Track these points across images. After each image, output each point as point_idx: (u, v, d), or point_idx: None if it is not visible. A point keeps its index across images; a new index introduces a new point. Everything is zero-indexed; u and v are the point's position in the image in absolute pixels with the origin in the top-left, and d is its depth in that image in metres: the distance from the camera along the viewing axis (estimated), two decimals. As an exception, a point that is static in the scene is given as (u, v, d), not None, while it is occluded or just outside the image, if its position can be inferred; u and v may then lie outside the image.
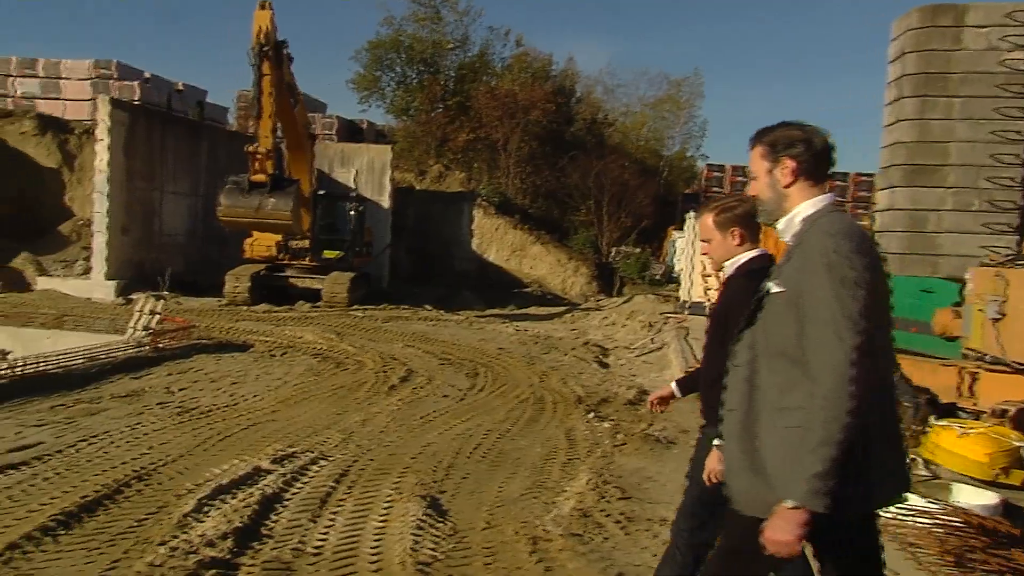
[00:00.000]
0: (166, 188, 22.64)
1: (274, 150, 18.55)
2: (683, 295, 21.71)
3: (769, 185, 2.53)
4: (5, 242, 21.04)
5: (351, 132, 37.50)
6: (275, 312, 18.37)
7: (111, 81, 29.77)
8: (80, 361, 10.25)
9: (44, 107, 27.65)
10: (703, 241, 3.45)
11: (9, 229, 21.31)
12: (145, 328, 11.86)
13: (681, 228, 34.38)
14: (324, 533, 5.10)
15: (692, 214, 22.08)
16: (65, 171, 23.28)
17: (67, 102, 29.37)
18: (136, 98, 26.80)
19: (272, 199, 17.90)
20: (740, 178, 36.64)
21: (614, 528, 5.40)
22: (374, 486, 6.11)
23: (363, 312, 18.88)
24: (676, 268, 33.55)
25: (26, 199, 22.39)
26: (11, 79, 30.76)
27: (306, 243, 20.82)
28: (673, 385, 3.92)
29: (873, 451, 2.30)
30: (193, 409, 8.41)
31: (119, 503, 5.48)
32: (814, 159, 2.48)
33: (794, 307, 2.32)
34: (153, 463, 6.39)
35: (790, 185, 2.48)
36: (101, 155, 20.29)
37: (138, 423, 7.68)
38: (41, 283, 20.25)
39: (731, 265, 3.37)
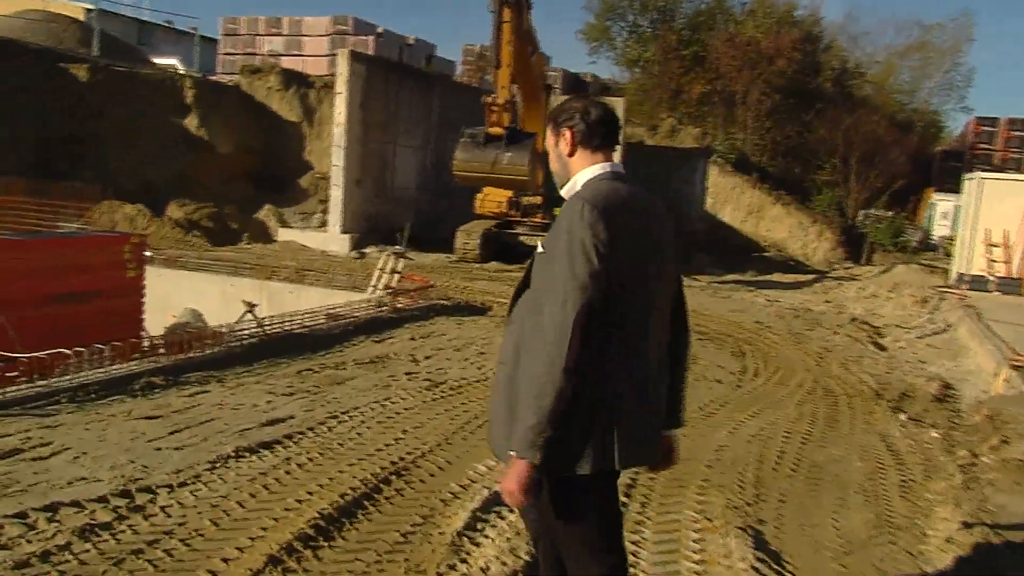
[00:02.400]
0: (399, 141, 22.51)
1: (511, 101, 17.67)
2: (957, 266, 18.96)
3: (556, 156, 2.68)
4: (252, 193, 21.73)
5: (576, 86, 36.42)
6: (507, 271, 17.66)
7: (347, 36, 30.29)
8: (322, 321, 9.81)
9: (287, 64, 28.55)
10: None
11: (256, 181, 21.97)
12: (386, 287, 11.32)
13: (943, 190, 30.73)
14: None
15: (973, 175, 19.22)
16: (305, 125, 23.75)
17: (308, 58, 30.25)
18: (370, 53, 27.00)
19: (508, 153, 17.07)
20: (1017, 132, 32.10)
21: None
22: (674, 505, 4.91)
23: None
24: (936, 235, 30.03)
25: (271, 152, 23.03)
26: (259, 38, 32.08)
27: (538, 199, 19.94)
28: None
29: (618, 415, 2.40)
30: (442, 383, 7.58)
31: (380, 506, 4.62)
32: (588, 129, 2.60)
33: (547, 267, 2.41)
34: (410, 453, 5.54)
35: (571, 154, 2.63)
36: (339, 108, 20.33)
37: (387, 398, 6.91)
38: (282, 235, 20.71)
39: None
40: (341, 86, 20.35)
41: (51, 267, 9.82)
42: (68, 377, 6.55)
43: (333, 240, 20.14)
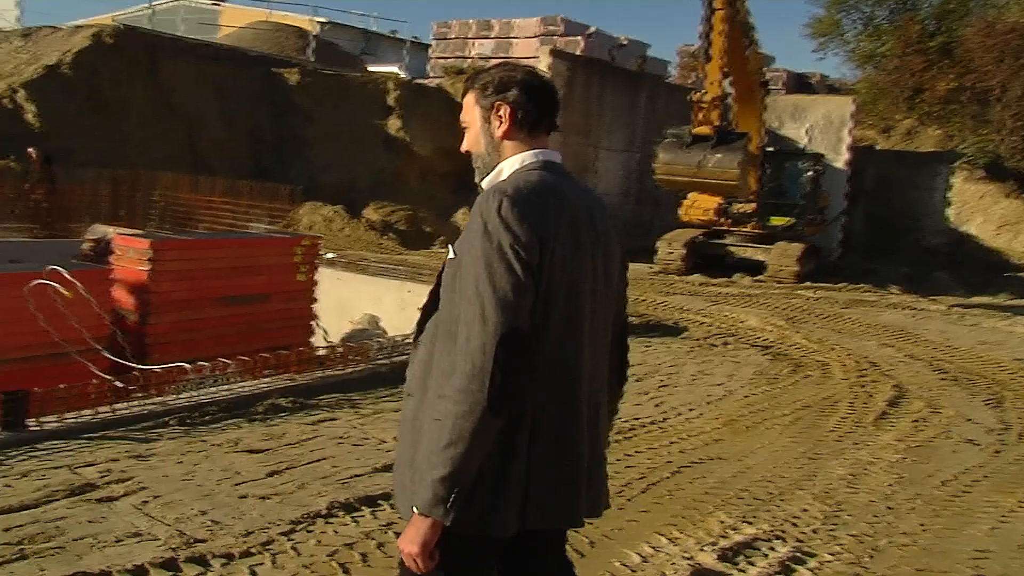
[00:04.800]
0: (600, 143, 21.36)
1: (722, 98, 16.00)
2: None
3: (484, 137, 2.11)
4: (449, 196, 21.37)
5: (800, 87, 33.81)
6: (711, 285, 16.02)
7: (556, 37, 29.59)
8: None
9: (495, 66, 28.19)
10: None
11: (453, 183, 21.61)
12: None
13: None
14: None
15: None
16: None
17: (516, 61, 29.74)
18: (578, 53, 26.07)
19: (716, 155, 15.39)
20: None
21: None
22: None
23: (816, 292, 15.72)
24: None
25: (469, 155, 22.63)
26: (470, 41, 32.12)
27: (751, 207, 18.10)
28: None
29: (542, 460, 1.94)
30: (610, 423, 6.29)
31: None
32: (534, 106, 2.08)
33: (460, 278, 1.93)
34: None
35: (506, 136, 2.08)
36: (540, 108, 19.47)
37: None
38: (478, 239, 20.13)
39: None
40: (542, 86, 19.47)
41: (222, 268, 9.47)
42: (186, 395, 5.88)
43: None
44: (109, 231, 9.62)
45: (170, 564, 3.56)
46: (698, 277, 16.87)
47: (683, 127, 16.11)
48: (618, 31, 35.20)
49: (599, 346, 2.10)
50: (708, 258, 17.86)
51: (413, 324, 7.64)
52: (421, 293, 12.88)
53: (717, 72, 15.63)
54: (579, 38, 30.01)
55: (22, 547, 3.65)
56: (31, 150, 15.34)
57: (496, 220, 1.88)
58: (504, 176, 2.07)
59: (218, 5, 38.46)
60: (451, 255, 2.01)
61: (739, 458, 5.74)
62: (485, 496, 1.90)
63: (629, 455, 5.58)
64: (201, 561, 3.62)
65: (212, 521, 4.03)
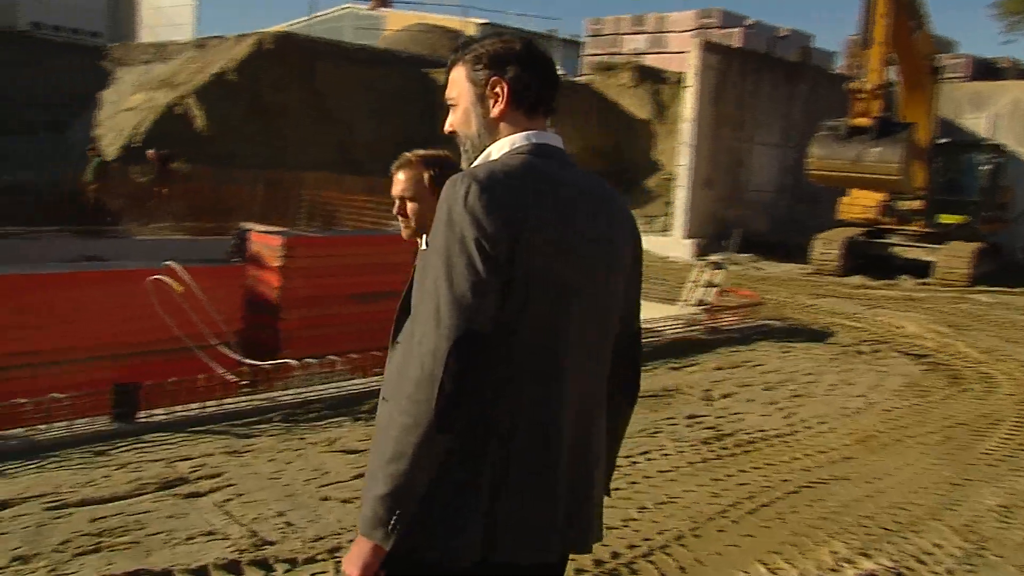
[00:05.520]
0: (755, 138, 20.43)
1: (884, 87, 14.87)
2: None
3: (476, 116, 1.83)
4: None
5: (987, 73, 31.20)
6: (869, 288, 14.96)
7: (712, 30, 28.69)
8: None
9: (651, 62, 27.66)
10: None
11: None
12: (700, 303, 9.67)
13: None
14: None
15: None
16: (656, 123, 22.59)
17: (670, 55, 29.10)
18: (735, 45, 25.12)
19: (877, 148, 14.31)
20: None
21: None
22: None
23: (991, 296, 14.35)
24: None
25: (619, 151, 22.23)
26: (623, 37, 31.67)
27: (918, 204, 16.75)
28: None
29: (511, 484, 1.67)
30: (728, 436, 5.85)
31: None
32: (537, 82, 1.82)
33: (423, 272, 1.72)
34: (642, 542, 3.99)
35: (502, 117, 1.81)
36: (688, 103, 18.85)
37: (646, 451, 5.38)
38: (623, 238, 19.73)
39: None
40: (691, 79, 18.85)
41: (351, 265, 9.62)
42: (293, 391, 5.92)
43: (676, 245, 18.71)
44: (254, 229, 9.95)
45: (232, 567, 3.51)
46: (856, 279, 15.79)
47: (840, 119, 15.11)
48: (782, 22, 33.65)
49: (592, 357, 1.81)
50: (869, 259, 16.68)
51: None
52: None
53: (878, 59, 14.55)
54: (736, 30, 29.00)
55: (100, 539, 3.71)
56: (149, 151, 16.28)
57: (461, 208, 1.64)
58: (493, 158, 1.82)
59: (382, 11, 39.78)
60: (423, 246, 1.80)
61: (869, 480, 5.17)
62: (440, 520, 1.67)
63: (742, 471, 5.14)
64: (264, 565, 3.54)
65: (287, 523, 3.97)
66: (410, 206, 2.48)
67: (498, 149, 1.81)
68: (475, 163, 1.85)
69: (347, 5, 39.33)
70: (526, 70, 1.82)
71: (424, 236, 2.50)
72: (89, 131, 19.51)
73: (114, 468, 4.52)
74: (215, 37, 21.20)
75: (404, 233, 2.47)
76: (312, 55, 20.65)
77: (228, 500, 4.20)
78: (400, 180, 2.49)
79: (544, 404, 1.72)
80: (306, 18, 30.63)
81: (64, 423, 5.01)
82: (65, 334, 7.20)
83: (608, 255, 1.81)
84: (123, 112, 19.44)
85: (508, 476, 1.69)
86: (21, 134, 18.69)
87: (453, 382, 1.59)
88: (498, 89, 1.81)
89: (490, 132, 1.84)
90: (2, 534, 3.73)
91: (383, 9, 38.95)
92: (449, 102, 1.89)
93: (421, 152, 2.55)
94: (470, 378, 1.61)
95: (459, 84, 1.87)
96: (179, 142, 17.75)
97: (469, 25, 34.96)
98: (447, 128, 1.92)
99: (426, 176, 2.48)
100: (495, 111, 1.82)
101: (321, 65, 20.44)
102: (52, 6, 29.60)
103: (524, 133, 1.81)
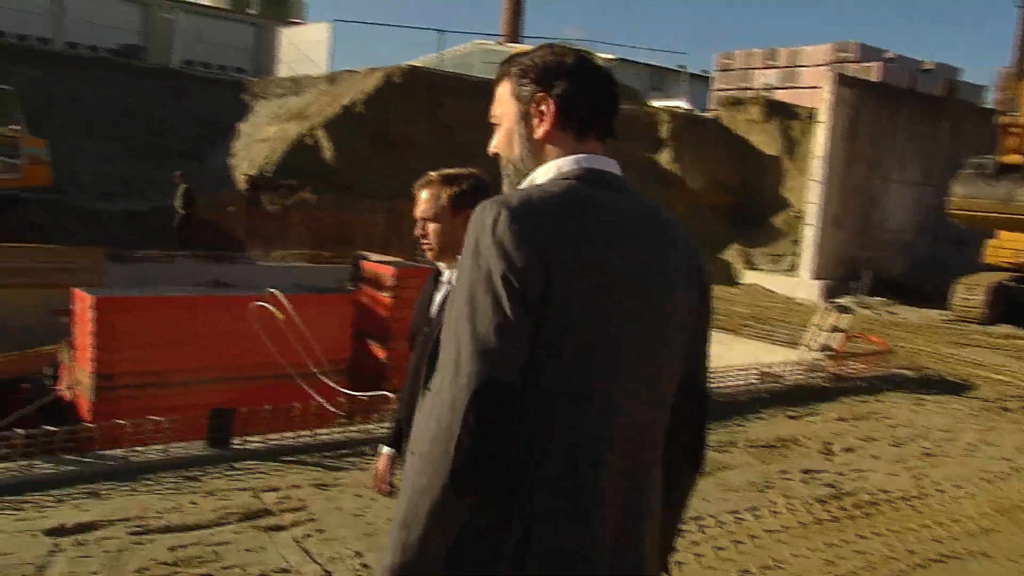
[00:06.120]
0: (891, 176, 19.41)
1: (1040, 121, 13.86)
2: None
3: (519, 138, 1.64)
4: (721, 231, 20.47)
5: None
6: (1018, 338, 13.81)
7: (849, 64, 27.69)
8: (731, 383, 8.03)
9: (782, 97, 26.90)
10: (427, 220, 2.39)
11: (726, 218, 20.71)
12: (823, 348, 9.10)
13: None
14: None
15: None
16: (785, 159, 21.83)
17: (803, 91, 28.23)
18: (874, 79, 24.09)
19: (1029, 187, 13.32)
20: None
21: None
22: None
23: None
24: None
25: (745, 188, 21.58)
26: (753, 72, 30.97)
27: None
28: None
29: (549, 514, 1.45)
30: (848, 495, 5.36)
31: None
32: (586, 100, 1.60)
33: (448, 311, 1.52)
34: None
35: (547, 138, 1.60)
36: (820, 138, 18.11)
37: (754, 507, 4.98)
38: (747, 277, 19.06)
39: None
40: (823, 114, 18.12)
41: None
42: (388, 424, 5.80)
43: (802, 286, 17.92)
44: (370, 258, 10.05)
45: (297, 609, 3.37)
46: (1003, 328, 14.62)
47: (987, 156, 14.14)
48: (928, 56, 32.18)
49: (645, 412, 1.57)
50: (1018, 306, 15.46)
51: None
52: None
53: (1033, 91, 13.58)
54: (875, 64, 27.87)
55: (176, 569, 3.65)
56: (177, 174, 16.77)
57: (488, 239, 1.43)
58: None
59: (511, 47, 40.33)
60: (445, 269, 1.67)
61: (1014, 558, 4.60)
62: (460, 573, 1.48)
63: (862, 536, 4.67)
64: (331, 609, 3.39)
65: (362, 565, 3.82)
66: (430, 227, 2.39)
67: (543, 174, 1.61)
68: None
69: (477, 41, 40.12)
70: (577, 86, 1.61)
71: (447, 259, 2.37)
72: (226, 160, 20.44)
73: (202, 495, 4.50)
74: (347, 71, 21.90)
75: (428, 255, 2.38)
76: (439, 88, 21.00)
77: (308, 536, 4.09)
78: (421, 200, 2.41)
79: (579, 466, 1.48)
80: (436, 54, 31.38)
81: (161, 446, 5.05)
82: (184, 356, 7.40)
83: (668, 299, 1.58)
84: (257, 143, 20.30)
85: (537, 507, 1.47)
86: (166, 162, 19.76)
87: (472, 439, 1.39)
88: (544, 107, 1.61)
89: (534, 155, 1.64)
90: (84, 557, 3.72)
91: (512, 45, 39.48)
92: (493, 121, 1.71)
93: (444, 171, 2.44)
94: (492, 434, 1.40)
95: (503, 101, 1.68)
96: (307, 172, 18.34)
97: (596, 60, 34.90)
98: (490, 150, 1.72)
99: (444, 195, 2.38)
100: (540, 131, 1.62)
101: (447, 98, 20.74)
102: (203, 45, 31.47)
103: (574, 157, 1.60)
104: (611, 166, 1.62)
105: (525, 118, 1.64)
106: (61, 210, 15.75)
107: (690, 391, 1.67)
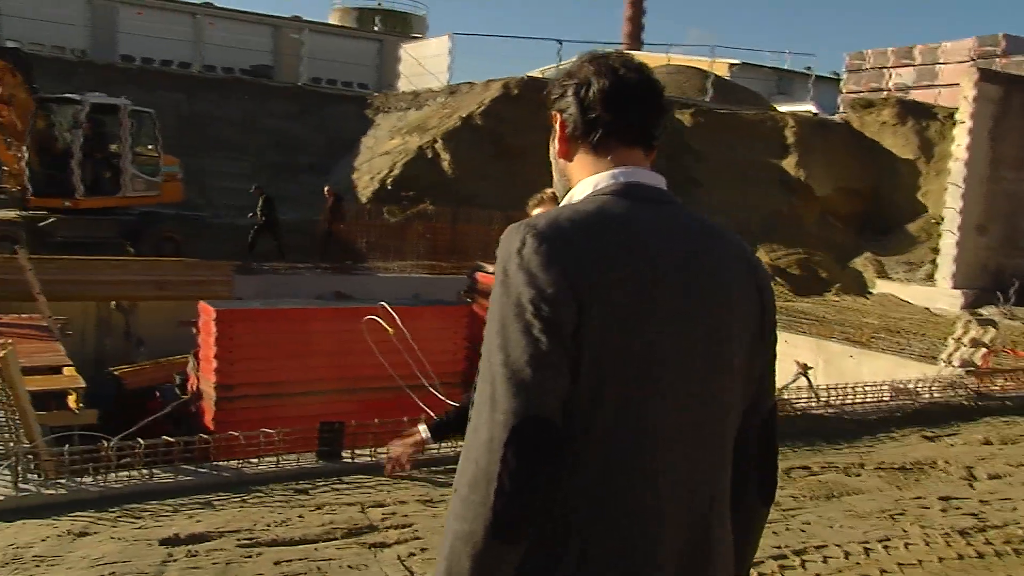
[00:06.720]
0: (1042, 178, 18.08)
1: None
2: None
3: (551, 158, 1.65)
4: (850, 240, 19.58)
5: None
6: None
7: (995, 59, 26.06)
8: (861, 399, 7.59)
9: (917, 97, 25.58)
10: None
11: (856, 226, 19.79)
12: (964, 363, 8.48)
13: None
14: None
15: None
16: (922, 162, 20.68)
17: (942, 89, 26.77)
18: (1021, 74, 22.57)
19: None
20: None
21: None
22: None
23: None
24: None
25: (877, 194, 20.57)
26: (887, 71, 29.60)
27: None
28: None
29: None
30: (995, 527, 4.92)
31: None
32: (583, 113, 1.53)
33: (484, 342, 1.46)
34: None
35: (567, 155, 1.58)
36: (960, 139, 17.05)
37: (885, 538, 4.62)
38: (880, 287, 18.13)
39: None
40: (964, 113, 17.05)
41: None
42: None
43: (941, 296, 16.88)
44: (486, 269, 10.05)
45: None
46: None
47: None
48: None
49: (701, 446, 1.46)
50: None
51: (788, 377, 6.83)
52: (799, 344, 11.82)
53: None
54: None
55: (280, 584, 3.64)
56: (327, 188, 17.08)
57: (516, 265, 1.36)
58: None
59: (630, 54, 39.95)
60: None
61: None
62: None
63: (1011, 575, 4.25)
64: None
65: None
66: None
67: (580, 192, 1.55)
68: None
69: (596, 50, 40.10)
70: (585, 99, 1.54)
71: None
72: (350, 174, 21.00)
73: (310, 508, 4.51)
74: (466, 83, 22.16)
75: None
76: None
77: (412, 554, 4.03)
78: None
79: (630, 506, 1.38)
80: (555, 64, 31.43)
81: (273, 457, 5.11)
82: (299, 367, 7.55)
83: (712, 309, 1.47)
84: (379, 156, 20.77)
85: (588, 549, 1.37)
86: (292, 176, 20.49)
87: (513, 480, 1.29)
88: (556, 125, 1.61)
89: (561, 175, 1.64)
90: (194, 568, 3.77)
91: (631, 52, 39.18)
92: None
93: None
94: (534, 475, 1.31)
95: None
96: (427, 184, 18.63)
97: (718, 65, 34.22)
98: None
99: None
100: (554, 150, 1.63)
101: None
102: (329, 63, 32.57)
103: (610, 172, 1.52)
104: (653, 178, 1.54)
105: (551, 139, 1.64)
106: (196, 225, 16.52)
107: (755, 418, 1.56)
